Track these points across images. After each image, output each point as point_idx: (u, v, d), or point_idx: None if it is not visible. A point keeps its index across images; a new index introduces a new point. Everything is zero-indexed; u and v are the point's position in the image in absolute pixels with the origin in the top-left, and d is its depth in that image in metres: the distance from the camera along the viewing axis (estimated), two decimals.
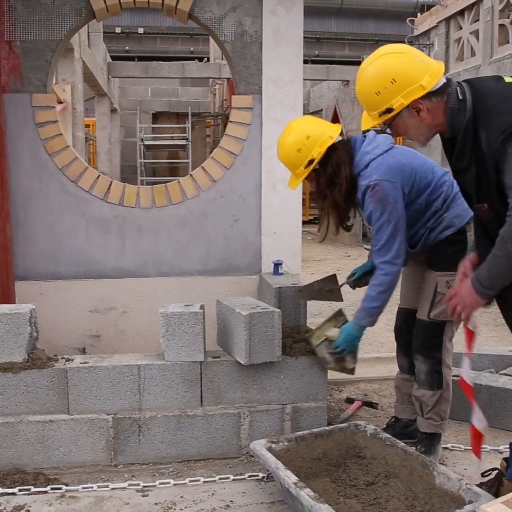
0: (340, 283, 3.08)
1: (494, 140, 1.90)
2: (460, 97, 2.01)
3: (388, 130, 2.17)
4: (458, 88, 2.03)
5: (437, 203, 2.69)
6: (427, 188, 2.67)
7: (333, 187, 2.66)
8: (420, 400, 2.81)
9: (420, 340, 2.79)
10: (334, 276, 3.13)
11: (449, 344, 2.78)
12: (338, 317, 2.88)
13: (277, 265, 3.62)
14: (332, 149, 2.62)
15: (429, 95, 2.01)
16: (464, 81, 2.08)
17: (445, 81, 2.03)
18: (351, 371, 2.90)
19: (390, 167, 2.58)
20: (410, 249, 2.72)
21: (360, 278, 2.99)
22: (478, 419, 2.35)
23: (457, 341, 2.81)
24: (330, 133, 2.64)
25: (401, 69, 2.01)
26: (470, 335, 2.32)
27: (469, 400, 2.39)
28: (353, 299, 3.17)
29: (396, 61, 2.03)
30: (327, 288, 3.11)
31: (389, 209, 2.56)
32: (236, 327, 2.79)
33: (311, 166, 2.63)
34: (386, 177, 2.56)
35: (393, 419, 3.08)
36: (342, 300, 3.09)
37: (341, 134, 2.68)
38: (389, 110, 2.04)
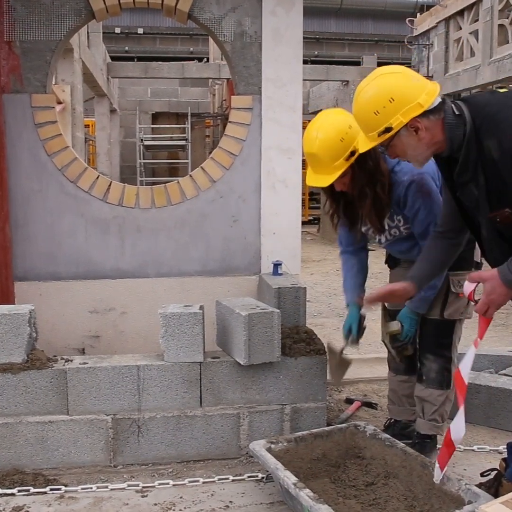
0: (337, 349, 2.93)
1: (506, 143, 1.90)
2: (457, 113, 2.03)
3: (385, 152, 2.17)
4: (453, 105, 2.05)
5: None
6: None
7: (374, 183, 2.54)
8: (426, 400, 2.79)
9: (431, 339, 2.78)
10: (328, 347, 2.97)
11: (457, 343, 2.79)
12: (384, 311, 2.90)
13: (276, 265, 3.61)
14: None
15: (427, 113, 2.02)
16: (457, 99, 2.10)
17: (440, 100, 2.06)
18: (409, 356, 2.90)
19: None
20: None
21: (359, 331, 2.88)
22: (457, 428, 2.15)
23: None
24: None
25: (399, 88, 2.03)
26: (486, 322, 2.13)
27: (457, 398, 2.19)
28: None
29: (393, 81, 2.06)
30: (339, 359, 2.95)
31: (436, 201, 2.56)
32: (236, 327, 2.79)
33: (352, 159, 2.47)
34: (424, 170, 2.54)
35: (392, 420, 3.07)
36: (351, 362, 2.94)
37: None
38: (388, 130, 2.04)
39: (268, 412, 2.90)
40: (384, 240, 2.80)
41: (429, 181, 2.56)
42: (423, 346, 2.81)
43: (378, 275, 7.60)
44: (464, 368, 2.16)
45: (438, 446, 2.86)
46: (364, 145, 2.18)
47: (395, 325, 2.80)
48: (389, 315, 2.85)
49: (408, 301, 2.74)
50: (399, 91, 2.02)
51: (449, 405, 2.81)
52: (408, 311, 2.76)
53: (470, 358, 2.15)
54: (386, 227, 2.72)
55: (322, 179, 2.51)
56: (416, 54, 12.51)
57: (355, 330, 2.86)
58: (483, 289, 2.04)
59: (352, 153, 2.46)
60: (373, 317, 3.03)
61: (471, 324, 5.58)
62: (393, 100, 2.01)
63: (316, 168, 2.54)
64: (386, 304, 2.99)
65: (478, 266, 2.74)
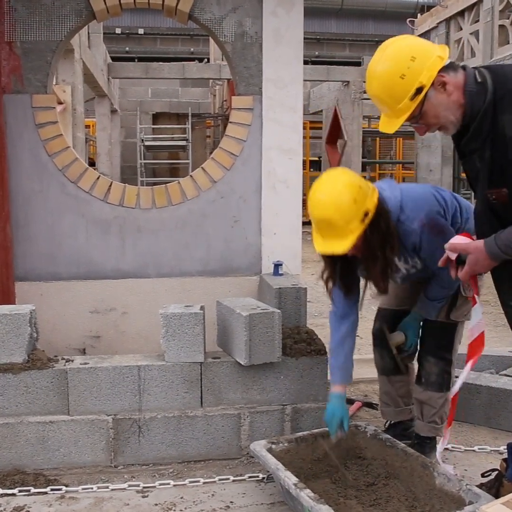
0: (328, 451, 2.64)
1: None
2: (479, 80, 1.98)
3: (418, 123, 2.08)
4: (476, 72, 2.01)
5: (456, 218, 2.66)
6: (447, 206, 2.63)
7: (385, 245, 2.41)
8: (425, 403, 2.77)
9: (433, 340, 2.77)
10: (324, 439, 2.70)
11: (457, 345, 2.79)
12: (386, 324, 2.89)
13: (277, 266, 3.61)
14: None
15: (447, 69, 1.99)
16: (482, 66, 2.06)
17: (450, 61, 2.02)
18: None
19: (423, 199, 2.53)
20: None
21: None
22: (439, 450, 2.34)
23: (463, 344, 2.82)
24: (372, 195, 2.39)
25: (415, 46, 2.00)
26: (476, 281, 2.21)
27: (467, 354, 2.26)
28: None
29: (406, 42, 2.03)
30: (336, 450, 2.70)
31: (449, 234, 2.47)
32: (236, 328, 2.79)
33: (367, 219, 2.31)
34: (429, 208, 2.50)
35: (393, 421, 3.07)
36: (336, 462, 2.62)
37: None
38: (419, 90, 1.97)
39: (269, 413, 2.90)
40: (401, 281, 2.77)
41: (438, 218, 2.51)
42: (424, 348, 2.80)
43: None
44: (477, 327, 2.25)
45: (437, 446, 2.86)
46: (392, 124, 2.06)
47: (398, 336, 2.81)
48: (389, 329, 2.86)
49: (417, 307, 2.75)
50: (416, 48, 1.99)
51: (448, 407, 2.80)
52: (412, 318, 2.77)
53: (478, 314, 2.24)
54: (404, 271, 2.66)
55: (336, 245, 2.31)
56: None
57: (347, 425, 2.63)
58: (467, 259, 2.08)
59: (365, 214, 2.31)
60: (373, 317, 3.03)
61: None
62: (415, 57, 1.97)
63: (328, 233, 2.33)
64: (384, 320, 2.96)
65: None
